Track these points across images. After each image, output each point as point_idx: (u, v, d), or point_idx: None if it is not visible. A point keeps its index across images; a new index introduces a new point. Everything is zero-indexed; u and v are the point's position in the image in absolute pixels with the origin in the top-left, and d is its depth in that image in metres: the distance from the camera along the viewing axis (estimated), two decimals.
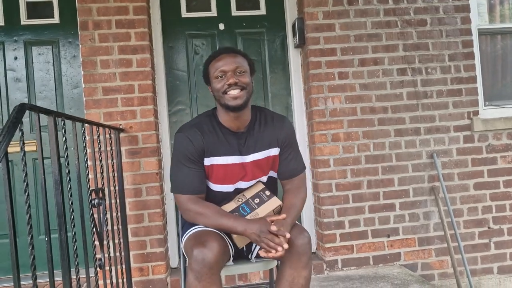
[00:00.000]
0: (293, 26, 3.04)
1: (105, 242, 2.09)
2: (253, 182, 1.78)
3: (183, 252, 1.80)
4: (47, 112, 1.52)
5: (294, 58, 3.14)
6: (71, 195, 1.71)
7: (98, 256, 2.00)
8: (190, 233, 1.66)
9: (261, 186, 1.78)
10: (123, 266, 2.57)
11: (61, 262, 1.59)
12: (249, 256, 1.73)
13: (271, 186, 1.84)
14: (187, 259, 1.65)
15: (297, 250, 1.53)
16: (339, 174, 2.90)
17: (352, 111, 2.93)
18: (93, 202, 1.97)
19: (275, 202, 1.73)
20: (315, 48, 2.91)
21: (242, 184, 1.77)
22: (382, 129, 2.95)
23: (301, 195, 1.79)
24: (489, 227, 3.02)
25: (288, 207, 1.72)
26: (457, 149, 3.01)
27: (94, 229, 1.95)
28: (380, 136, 2.95)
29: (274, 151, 1.78)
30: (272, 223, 1.54)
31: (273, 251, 1.47)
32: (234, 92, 1.61)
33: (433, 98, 3.00)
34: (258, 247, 1.68)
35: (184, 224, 1.82)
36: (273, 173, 1.85)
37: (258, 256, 1.70)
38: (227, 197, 1.76)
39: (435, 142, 2.99)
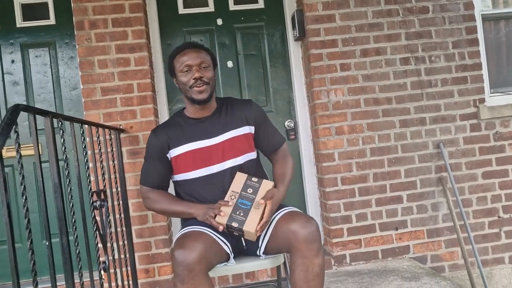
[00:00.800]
0: (293, 18, 2.98)
1: (108, 245, 2.05)
2: (225, 164, 1.77)
3: None
4: (43, 113, 1.48)
5: (295, 51, 3.08)
6: (71, 198, 1.67)
7: (102, 259, 1.96)
8: (178, 235, 1.67)
9: (244, 176, 1.75)
10: (129, 268, 2.54)
11: (63, 266, 1.55)
12: (258, 252, 1.69)
13: (257, 168, 1.87)
14: None
15: (306, 239, 1.50)
16: (344, 168, 2.85)
17: (355, 103, 2.87)
18: (95, 204, 1.93)
19: (268, 184, 1.73)
20: (315, 40, 2.86)
21: (215, 168, 1.76)
22: (387, 121, 2.90)
23: (288, 163, 1.90)
24: (499, 217, 2.97)
25: (279, 177, 1.84)
26: (464, 138, 2.95)
27: (97, 231, 1.91)
28: (385, 127, 2.89)
29: (246, 129, 1.82)
30: (220, 206, 1.65)
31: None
32: (199, 88, 1.72)
33: (437, 87, 2.94)
34: (265, 242, 1.65)
35: (183, 225, 1.82)
36: (251, 155, 1.84)
37: (266, 252, 1.66)
38: (203, 183, 1.76)
39: (441, 132, 2.94)
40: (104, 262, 1.94)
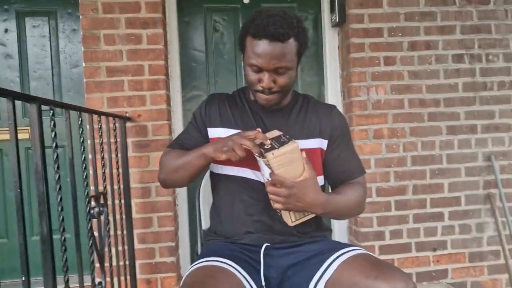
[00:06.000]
0: (332, 0, 2.58)
1: (106, 264, 1.69)
2: None
3: None
4: (28, 98, 1.10)
5: (330, 39, 2.69)
6: (59, 188, 1.30)
7: (97, 279, 1.60)
8: (193, 268, 1.22)
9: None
10: (128, 277, 2.19)
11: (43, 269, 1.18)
12: None
13: None
14: None
15: None
16: (381, 177, 2.48)
17: (398, 103, 2.49)
18: (92, 212, 1.56)
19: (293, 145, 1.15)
20: (358, 27, 2.46)
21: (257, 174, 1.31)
22: (433, 126, 2.51)
23: (358, 191, 1.34)
24: None
25: (337, 190, 1.33)
26: None
27: (93, 246, 1.55)
28: (430, 133, 2.51)
29: (315, 143, 1.34)
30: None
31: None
32: (265, 96, 1.27)
33: (493, 90, 2.56)
34: (321, 281, 1.17)
35: (203, 250, 1.40)
36: (318, 180, 1.32)
37: None
38: (246, 185, 1.32)
39: (494, 143, 2.56)
40: (100, 284, 1.58)
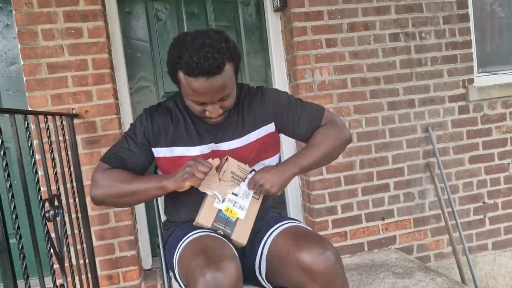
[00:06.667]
0: None
1: (66, 264, 1.68)
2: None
3: (163, 257, 1.48)
4: None
5: (274, 23, 2.73)
6: (12, 195, 1.28)
7: (59, 281, 1.59)
8: (185, 246, 1.21)
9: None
10: (89, 275, 2.18)
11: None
12: (261, 282, 1.31)
13: None
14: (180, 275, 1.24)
15: (325, 277, 1.09)
16: None
17: (342, 83, 2.60)
18: (47, 215, 1.55)
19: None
20: (299, 11, 2.52)
21: None
22: (375, 103, 2.66)
23: (330, 129, 1.37)
24: (483, 202, 2.86)
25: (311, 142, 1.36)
26: (452, 121, 2.78)
27: (51, 249, 1.54)
28: (372, 110, 2.65)
29: (262, 132, 1.37)
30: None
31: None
32: (214, 120, 1.28)
33: (427, 66, 2.73)
34: (264, 269, 1.26)
35: (169, 237, 1.42)
36: (272, 160, 1.42)
37: (269, 282, 1.29)
38: (189, 195, 1.33)
39: (430, 115, 2.75)
40: (62, 286, 1.58)
